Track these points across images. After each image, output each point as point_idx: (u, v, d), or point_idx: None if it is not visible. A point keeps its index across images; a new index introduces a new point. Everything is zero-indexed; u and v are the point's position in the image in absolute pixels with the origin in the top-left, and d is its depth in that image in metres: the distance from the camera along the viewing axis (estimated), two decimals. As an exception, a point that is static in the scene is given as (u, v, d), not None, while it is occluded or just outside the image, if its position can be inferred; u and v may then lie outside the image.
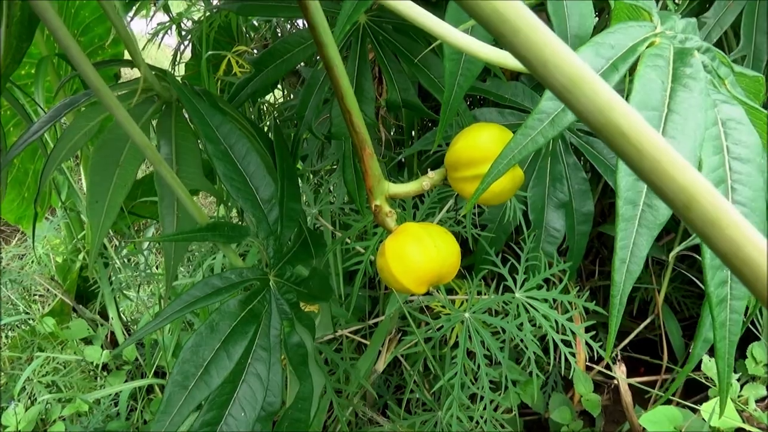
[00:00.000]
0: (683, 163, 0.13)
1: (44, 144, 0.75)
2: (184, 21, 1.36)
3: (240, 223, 0.95)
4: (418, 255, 0.34)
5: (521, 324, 0.70)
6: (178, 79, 0.61)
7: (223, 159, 0.48)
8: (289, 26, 1.23)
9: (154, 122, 0.64)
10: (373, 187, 0.34)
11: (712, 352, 0.54)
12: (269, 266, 0.49)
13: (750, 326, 0.82)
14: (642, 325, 0.92)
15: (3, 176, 0.53)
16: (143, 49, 1.17)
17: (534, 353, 0.69)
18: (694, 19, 0.35)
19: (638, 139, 0.13)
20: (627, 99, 0.26)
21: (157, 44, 1.30)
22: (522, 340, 0.69)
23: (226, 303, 0.42)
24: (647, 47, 0.28)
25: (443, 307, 0.82)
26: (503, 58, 0.32)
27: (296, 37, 0.57)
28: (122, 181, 0.57)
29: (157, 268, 1.47)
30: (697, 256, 0.91)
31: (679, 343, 0.91)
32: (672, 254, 0.83)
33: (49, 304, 1.22)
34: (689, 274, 0.92)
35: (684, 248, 0.82)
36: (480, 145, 0.33)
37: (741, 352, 0.80)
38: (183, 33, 1.33)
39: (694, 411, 0.75)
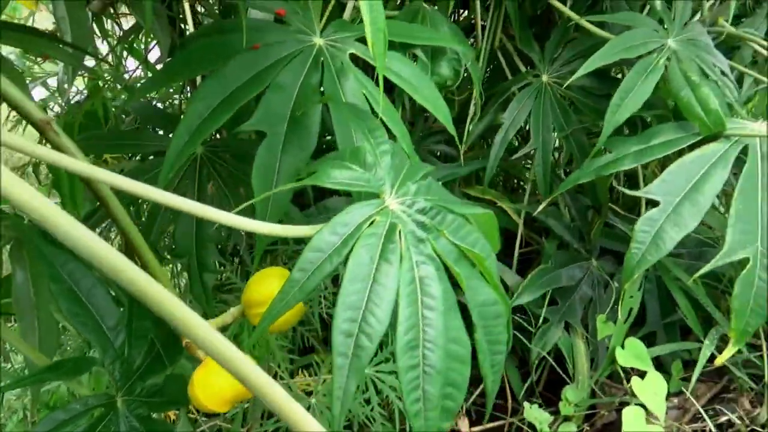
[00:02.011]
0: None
1: None
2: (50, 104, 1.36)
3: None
4: (223, 380, 0.42)
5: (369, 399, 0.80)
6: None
7: (68, 297, 0.54)
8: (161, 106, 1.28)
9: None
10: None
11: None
12: (117, 388, 0.55)
13: (562, 372, 0.98)
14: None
15: None
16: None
17: (382, 424, 0.79)
18: (427, 181, 0.47)
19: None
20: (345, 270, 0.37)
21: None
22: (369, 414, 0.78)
23: (68, 436, 0.47)
24: (368, 226, 0.39)
25: (308, 384, 0.90)
26: (284, 231, 0.41)
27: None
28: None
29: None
30: (531, 308, 1.06)
31: (519, 386, 1.05)
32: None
33: None
34: (525, 323, 1.06)
35: (513, 305, 0.96)
36: (266, 290, 0.42)
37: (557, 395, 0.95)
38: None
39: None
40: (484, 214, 0.49)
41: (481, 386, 1.06)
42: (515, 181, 1.34)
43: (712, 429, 0.81)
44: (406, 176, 0.43)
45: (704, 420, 0.84)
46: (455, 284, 0.42)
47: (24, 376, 0.55)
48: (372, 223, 0.39)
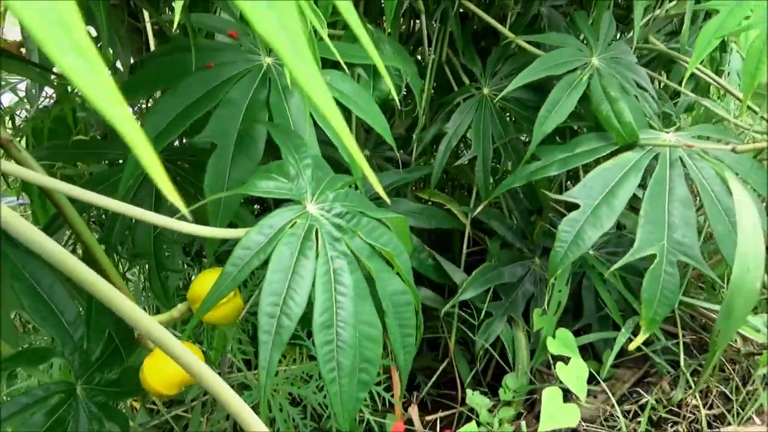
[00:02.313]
0: (181, 348, 0.29)
1: None
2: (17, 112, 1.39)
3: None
4: (170, 367, 0.48)
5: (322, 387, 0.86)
6: None
7: (29, 293, 0.60)
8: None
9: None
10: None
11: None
12: (76, 377, 0.60)
13: (505, 365, 1.05)
14: (440, 368, 1.12)
15: None
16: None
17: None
18: (345, 190, 0.54)
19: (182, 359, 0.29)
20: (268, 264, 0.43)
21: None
22: (321, 401, 0.85)
23: (33, 416, 0.53)
24: (290, 227, 0.46)
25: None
26: (224, 233, 0.47)
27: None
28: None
29: None
30: (476, 303, 1.14)
31: (468, 377, 1.12)
32: (449, 305, 1.05)
33: None
34: (471, 320, 1.14)
35: (459, 300, 1.04)
36: (207, 287, 0.49)
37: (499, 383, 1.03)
38: (17, 124, 1.36)
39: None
40: (397, 218, 0.56)
41: (434, 378, 1.13)
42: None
43: (618, 409, 0.90)
44: (326, 186, 0.50)
45: (629, 401, 0.92)
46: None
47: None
48: (293, 225, 0.46)
